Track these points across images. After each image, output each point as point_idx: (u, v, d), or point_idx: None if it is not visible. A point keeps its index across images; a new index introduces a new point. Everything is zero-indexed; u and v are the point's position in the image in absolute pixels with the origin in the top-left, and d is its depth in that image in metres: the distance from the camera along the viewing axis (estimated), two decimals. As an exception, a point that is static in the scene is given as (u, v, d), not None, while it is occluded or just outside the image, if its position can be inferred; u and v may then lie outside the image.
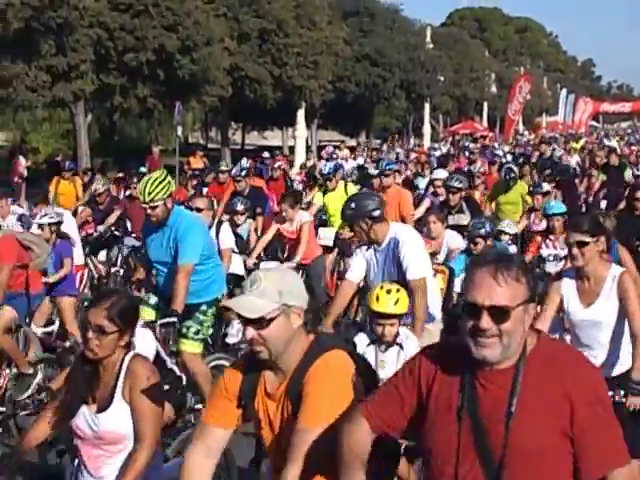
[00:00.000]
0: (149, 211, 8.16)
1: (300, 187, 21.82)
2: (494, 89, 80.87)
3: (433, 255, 9.92)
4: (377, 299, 6.51)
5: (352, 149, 40.07)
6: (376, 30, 55.26)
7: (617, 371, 6.41)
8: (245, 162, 18.14)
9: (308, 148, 45.52)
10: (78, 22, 29.69)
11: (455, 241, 11.02)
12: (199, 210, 10.40)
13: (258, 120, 54.14)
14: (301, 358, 3.88)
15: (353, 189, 15.10)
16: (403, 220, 12.66)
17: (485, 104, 77.91)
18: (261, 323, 3.76)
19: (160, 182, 8.11)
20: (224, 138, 48.05)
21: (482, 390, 3.27)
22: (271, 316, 3.76)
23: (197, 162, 26.63)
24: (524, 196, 15.85)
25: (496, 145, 37.60)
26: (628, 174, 20.76)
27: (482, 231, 10.21)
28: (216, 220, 11.25)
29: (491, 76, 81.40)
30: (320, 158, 30.56)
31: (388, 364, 6.48)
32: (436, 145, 43.72)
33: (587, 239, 6.26)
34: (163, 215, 8.17)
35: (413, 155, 33.82)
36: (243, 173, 15.90)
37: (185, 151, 34.46)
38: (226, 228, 11.19)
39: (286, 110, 44.58)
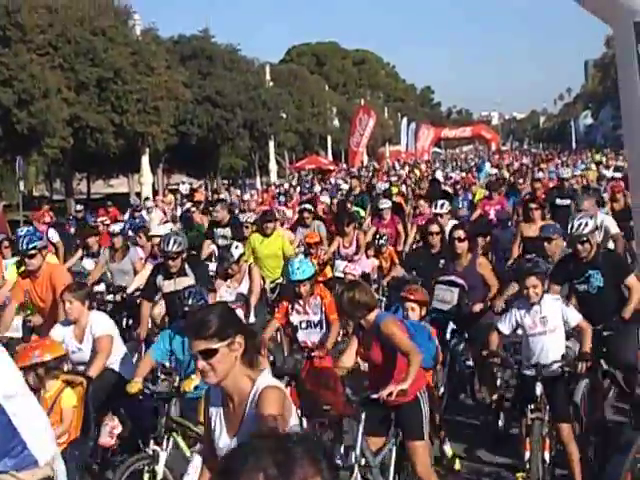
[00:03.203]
0: None
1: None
2: (336, 122, 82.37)
3: (62, 358, 7.71)
4: None
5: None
6: (215, 72, 55.77)
7: None
8: None
9: (155, 193, 45.45)
10: None
11: (103, 326, 8.70)
12: None
13: (102, 168, 53.80)
14: None
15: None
16: None
17: (329, 138, 79.16)
18: None
19: None
20: (68, 189, 47.60)
21: None
22: None
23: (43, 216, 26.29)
24: (285, 248, 14.04)
25: (340, 182, 37.12)
26: (455, 206, 19.03)
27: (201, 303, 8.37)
28: None
29: (332, 110, 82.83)
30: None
31: None
32: (278, 182, 43.94)
33: (215, 345, 4.20)
34: None
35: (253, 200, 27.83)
36: None
37: (31, 205, 34.05)
38: None
39: (130, 157, 44.50)
